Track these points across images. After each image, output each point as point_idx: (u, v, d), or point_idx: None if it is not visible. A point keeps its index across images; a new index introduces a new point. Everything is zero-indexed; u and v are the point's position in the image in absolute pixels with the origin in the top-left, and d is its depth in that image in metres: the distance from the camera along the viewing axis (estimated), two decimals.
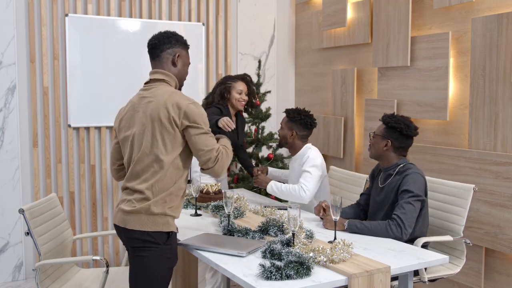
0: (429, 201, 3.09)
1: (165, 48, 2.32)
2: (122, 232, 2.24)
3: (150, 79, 2.34)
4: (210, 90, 3.74)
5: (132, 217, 2.18)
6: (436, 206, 3.05)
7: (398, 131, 2.81)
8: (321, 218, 2.85)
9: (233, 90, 3.66)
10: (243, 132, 3.92)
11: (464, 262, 2.89)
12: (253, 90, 3.83)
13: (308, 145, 3.37)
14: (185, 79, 2.42)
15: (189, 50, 2.41)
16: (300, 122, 3.33)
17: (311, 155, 3.26)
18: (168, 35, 2.35)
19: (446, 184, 3.06)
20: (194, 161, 3.75)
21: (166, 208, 2.20)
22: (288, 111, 3.39)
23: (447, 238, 2.84)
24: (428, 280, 2.72)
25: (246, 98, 3.70)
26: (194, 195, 3.00)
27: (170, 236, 2.23)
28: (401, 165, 2.82)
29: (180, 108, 2.17)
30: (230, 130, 3.16)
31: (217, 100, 3.66)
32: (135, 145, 2.24)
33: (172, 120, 2.16)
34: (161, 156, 2.17)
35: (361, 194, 3.12)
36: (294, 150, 3.39)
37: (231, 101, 3.66)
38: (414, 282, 2.71)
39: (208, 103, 3.73)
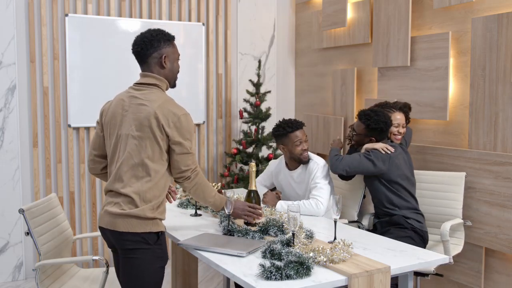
0: (425, 192, 3.33)
1: (149, 53, 2.27)
2: (110, 234, 2.24)
3: (141, 82, 2.30)
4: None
5: (121, 220, 2.17)
6: (432, 195, 3.29)
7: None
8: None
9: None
10: None
11: (464, 242, 3.18)
12: (408, 117, 3.39)
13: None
14: (177, 73, 2.37)
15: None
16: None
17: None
18: (149, 38, 2.27)
19: (437, 175, 3.29)
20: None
21: (156, 213, 2.22)
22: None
23: (458, 220, 3.13)
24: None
25: (403, 130, 3.26)
26: None
27: (160, 236, 2.25)
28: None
29: (170, 118, 2.18)
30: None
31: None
32: (121, 146, 2.23)
33: (162, 129, 2.17)
34: (146, 161, 2.18)
35: None
36: None
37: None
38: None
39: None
